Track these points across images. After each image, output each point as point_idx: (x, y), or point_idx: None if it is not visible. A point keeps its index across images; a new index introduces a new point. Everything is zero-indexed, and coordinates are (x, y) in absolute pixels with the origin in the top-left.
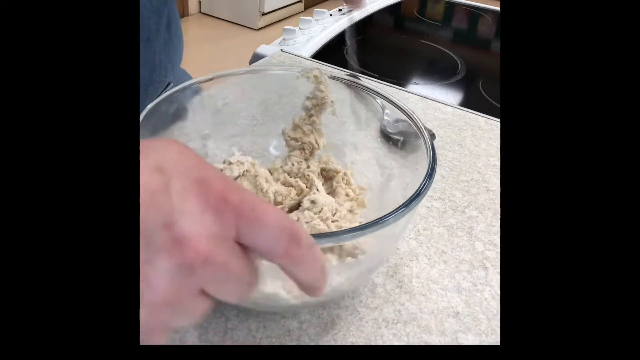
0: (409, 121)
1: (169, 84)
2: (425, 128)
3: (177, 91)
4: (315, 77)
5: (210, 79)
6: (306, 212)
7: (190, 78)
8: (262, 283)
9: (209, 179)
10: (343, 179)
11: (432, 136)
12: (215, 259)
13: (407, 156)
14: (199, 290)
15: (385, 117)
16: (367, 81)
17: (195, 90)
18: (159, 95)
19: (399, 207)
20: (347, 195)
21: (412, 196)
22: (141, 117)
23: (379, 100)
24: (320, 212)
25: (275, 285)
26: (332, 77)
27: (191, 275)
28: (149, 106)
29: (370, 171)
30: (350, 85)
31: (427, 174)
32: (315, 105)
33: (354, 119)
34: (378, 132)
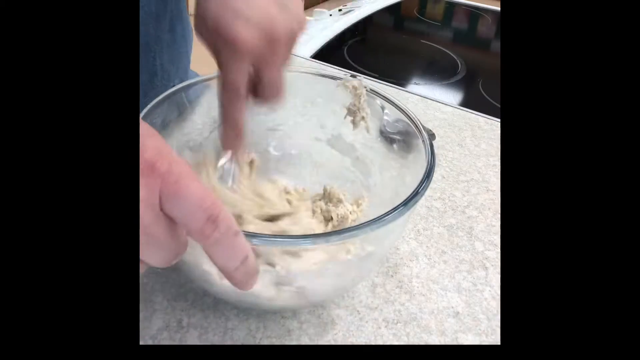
0: (408, 121)
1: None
2: (425, 128)
3: (177, 90)
4: (354, 87)
5: (211, 78)
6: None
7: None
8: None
9: (142, 150)
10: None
11: (432, 136)
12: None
13: (406, 156)
14: None
15: (385, 117)
16: (367, 81)
17: (197, 88)
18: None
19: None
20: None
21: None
22: (141, 115)
23: (379, 100)
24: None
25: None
26: (331, 77)
27: None
28: (149, 105)
29: (369, 171)
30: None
31: (424, 175)
32: (348, 116)
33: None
34: (377, 132)
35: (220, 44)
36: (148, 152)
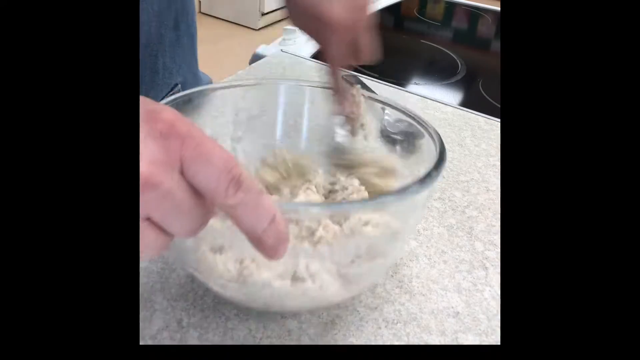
0: (412, 121)
1: (175, 85)
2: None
3: (181, 96)
4: (352, 94)
5: (219, 88)
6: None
7: (205, 80)
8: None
9: (159, 110)
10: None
11: None
12: (157, 184)
13: (408, 156)
14: (146, 215)
15: (386, 117)
16: (366, 81)
17: (202, 95)
18: (163, 98)
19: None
20: None
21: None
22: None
23: (381, 106)
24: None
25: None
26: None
27: None
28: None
29: None
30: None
31: (437, 158)
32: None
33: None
34: (378, 132)
35: (319, 27)
36: (166, 114)
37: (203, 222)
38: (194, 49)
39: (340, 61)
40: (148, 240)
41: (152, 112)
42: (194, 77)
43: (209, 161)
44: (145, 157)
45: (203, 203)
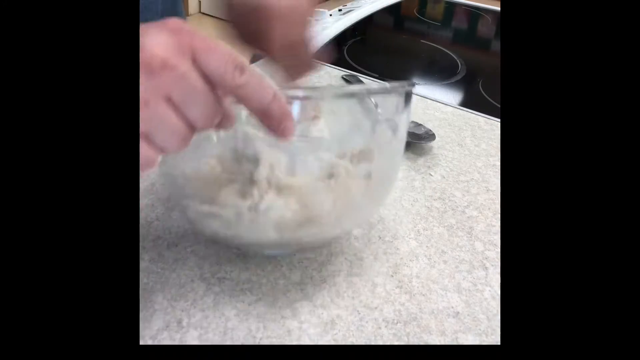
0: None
1: None
2: (405, 86)
3: None
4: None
5: None
6: None
7: None
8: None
9: (167, 21)
10: None
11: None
12: (174, 65)
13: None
14: (165, 96)
15: (380, 117)
16: (366, 81)
17: None
18: None
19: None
20: None
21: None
22: None
23: (374, 100)
24: None
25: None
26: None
27: (152, 77)
28: None
29: None
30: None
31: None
32: None
33: (349, 118)
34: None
35: (259, 21)
36: (172, 22)
37: (216, 111)
38: None
39: (291, 50)
40: (174, 126)
41: (162, 22)
42: None
43: (217, 51)
44: (161, 44)
45: (214, 91)
